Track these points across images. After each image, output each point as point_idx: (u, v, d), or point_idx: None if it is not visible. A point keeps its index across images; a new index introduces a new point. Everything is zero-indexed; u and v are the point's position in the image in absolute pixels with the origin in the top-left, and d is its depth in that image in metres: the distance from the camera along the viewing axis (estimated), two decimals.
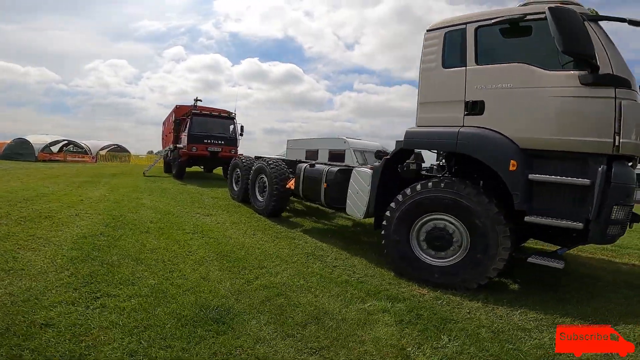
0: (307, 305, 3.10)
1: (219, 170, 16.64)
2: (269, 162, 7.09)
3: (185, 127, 13.22)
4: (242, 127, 14.00)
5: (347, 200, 5.10)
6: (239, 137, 13.79)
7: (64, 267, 3.48)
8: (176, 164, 13.48)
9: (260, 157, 8.41)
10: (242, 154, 14.02)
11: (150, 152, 45.01)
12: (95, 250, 4.06)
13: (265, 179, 7.16)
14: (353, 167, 5.37)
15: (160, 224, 5.68)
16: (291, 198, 7.61)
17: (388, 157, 4.66)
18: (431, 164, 5.12)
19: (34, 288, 2.91)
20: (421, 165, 4.86)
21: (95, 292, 2.99)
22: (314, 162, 6.34)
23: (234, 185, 9.18)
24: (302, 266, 4.27)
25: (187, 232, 5.40)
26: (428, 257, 3.92)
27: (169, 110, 16.33)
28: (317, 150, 12.75)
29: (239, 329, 2.60)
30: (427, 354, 2.48)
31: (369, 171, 4.80)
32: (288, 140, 14.87)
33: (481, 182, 4.06)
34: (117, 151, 29.38)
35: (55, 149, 25.02)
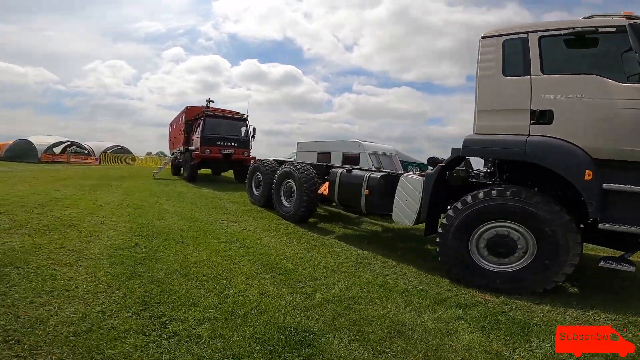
0: (381, 318, 2.94)
1: (227, 173, 16.18)
2: (298, 167, 6.71)
3: (197, 128, 12.75)
4: (254, 129, 13.53)
5: (394, 207, 4.86)
6: (252, 139, 13.36)
7: (112, 285, 3.08)
8: (188, 167, 12.93)
9: (284, 161, 8.06)
10: (254, 157, 13.63)
11: (149, 154, 44.30)
12: (137, 264, 3.66)
13: (293, 183, 6.79)
14: (400, 173, 5.12)
15: (193, 233, 5.28)
16: None
17: (443, 164, 4.44)
18: (475, 171, 4.92)
19: (90, 314, 2.51)
20: (469, 172, 4.68)
21: (160, 316, 2.62)
22: (350, 167, 5.99)
23: (253, 189, 8.76)
24: (354, 276, 4.04)
25: (222, 241, 5.02)
26: (488, 264, 3.81)
27: (168, 112, 15.93)
28: (330, 153, 12.46)
29: (327, 350, 2.38)
30: (525, 357, 2.45)
31: (420, 178, 4.63)
32: (298, 143, 14.52)
33: (535, 189, 3.89)
34: (121, 153, 28.63)
35: (57, 150, 24.22)
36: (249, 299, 3.11)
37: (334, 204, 6.86)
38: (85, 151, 25.78)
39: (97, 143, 27.64)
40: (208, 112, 12.71)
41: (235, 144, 12.82)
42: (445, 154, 4.68)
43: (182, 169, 15.48)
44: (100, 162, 24.97)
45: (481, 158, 4.49)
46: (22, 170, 15.17)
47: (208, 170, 15.70)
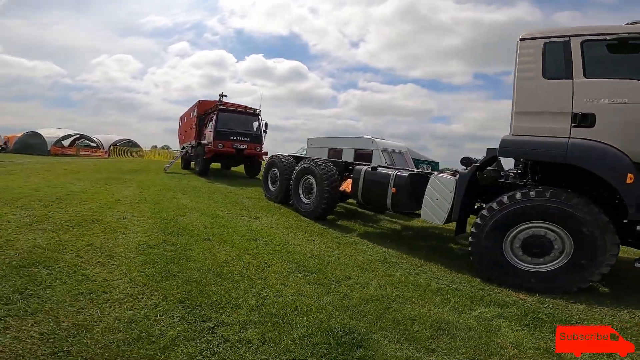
0: (423, 317, 2.90)
1: (237, 167, 15.99)
2: (318, 163, 6.53)
3: (210, 123, 12.53)
4: (266, 124, 13.24)
5: (424, 206, 4.76)
6: (264, 135, 13.11)
7: (149, 286, 2.92)
8: (201, 161, 12.68)
9: (301, 157, 7.88)
10: (266, 152, 13.42)
11: (155, 147, 44.06)
12: (169, 263, 3.50)
13: (312, 180, 6.62)
14: (429, 172, 5.00)
15: (216, 230, 5.12)
16: None
17: (478, 164, 4.36)
18: (504, 172, 4.81)
19: (135, 319, 2.35)
20: (500, 172, 4.57)
21: (205, 320, 2.47)
22: (375, 165, 5.82)
23: (269, 185, 8.57)
24: (385, 275, 3.98)
25: (247, 238, 4.87)
26: (522, 263, 3.79)
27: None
28: (342, 149, 12.23)
29: (379, 351, 2.34)
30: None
31: (452, 178, 4.54)
32: (309, 139, 14.28)
33: (569, 190, 3.81)
34: (129, 146, 28.37)
35: (66, 143, 23.97)
36: (287, 300, 3.00)
37: (356, 201, 6.70)
38: (94, 144, 25.56)
39: (105, 136, 27.37)
40: (221, 107, 12.45)
41: (248, 139, 12.58)
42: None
43: (192, 163, 15.28)
44: (109, 155, 24.77)
45: (518, 159, 4.38)
46: (32, 163, 14.98)
47: (217, 165, 15.53)
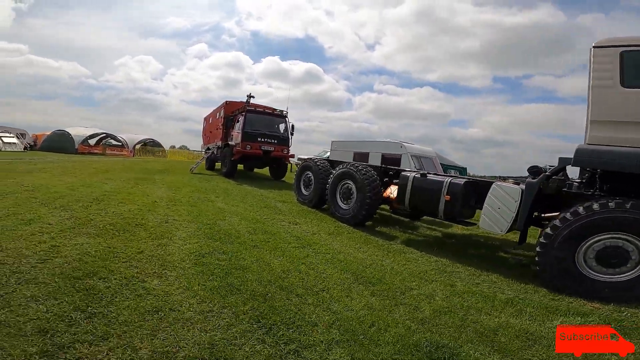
0: (505, 328, 2.77)
1: (260, 169, 15.80)
2: (359, 168, 6.25)
3: (237, 124, 12.36)
4: (292, 126, 13.00)
5: (483, 215, 4.49)
6: (291, 137, 12.86)
7: (216, 302, 2.69)
8: (228, 162, 12.48)
9: (335, 161, 7.61)
10: (292, 154, 13.18)
11: (173, 147, 44.50)
12: (228, 275, 3.27)
13: (352, 185, 6.34)
14: (489, 181, 4.70)
15: (261, 236, 4.89)
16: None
17: (548, 174, 4.09)
18: (568, 181, 4.49)
19: (215, 343, 2.12)
20: (565, 181, 4.25)
21: (286, 342, 2.25)
22: (424, 172, 5.51)
23: (302, 188, 8.31)
24: (447, 285, 3.78)
25: (295, 246, 4.62)
26: (596, 274, 3.64)
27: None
28: (368, 153, 11.88)
29: None
30: None
31: (516, 187, 4.26)
32: (333, 142, 13.97)
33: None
34: (152, 146, 28.56)
35: (92, 141, 24.27)
36: (360, 315, 2.80)
37: (389, 208, 6.42)
38: (119, 143, 25.80)
39: (130, 135, 27.61)
40: (249, 108, 12.26)
41: (275, 141, 12.35)
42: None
43: (218, 163, 15.13)
44: (133, 155, 24.96)
45: (592, 169, 4.07)
46: (63, 161, 15.16)
47: (240, 166, 15.39)
